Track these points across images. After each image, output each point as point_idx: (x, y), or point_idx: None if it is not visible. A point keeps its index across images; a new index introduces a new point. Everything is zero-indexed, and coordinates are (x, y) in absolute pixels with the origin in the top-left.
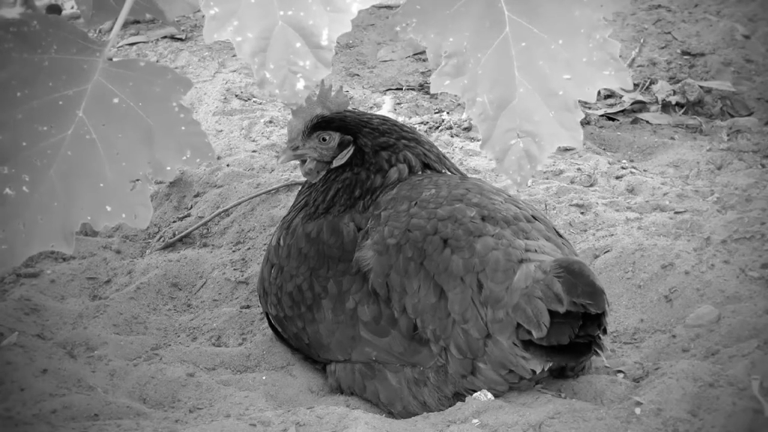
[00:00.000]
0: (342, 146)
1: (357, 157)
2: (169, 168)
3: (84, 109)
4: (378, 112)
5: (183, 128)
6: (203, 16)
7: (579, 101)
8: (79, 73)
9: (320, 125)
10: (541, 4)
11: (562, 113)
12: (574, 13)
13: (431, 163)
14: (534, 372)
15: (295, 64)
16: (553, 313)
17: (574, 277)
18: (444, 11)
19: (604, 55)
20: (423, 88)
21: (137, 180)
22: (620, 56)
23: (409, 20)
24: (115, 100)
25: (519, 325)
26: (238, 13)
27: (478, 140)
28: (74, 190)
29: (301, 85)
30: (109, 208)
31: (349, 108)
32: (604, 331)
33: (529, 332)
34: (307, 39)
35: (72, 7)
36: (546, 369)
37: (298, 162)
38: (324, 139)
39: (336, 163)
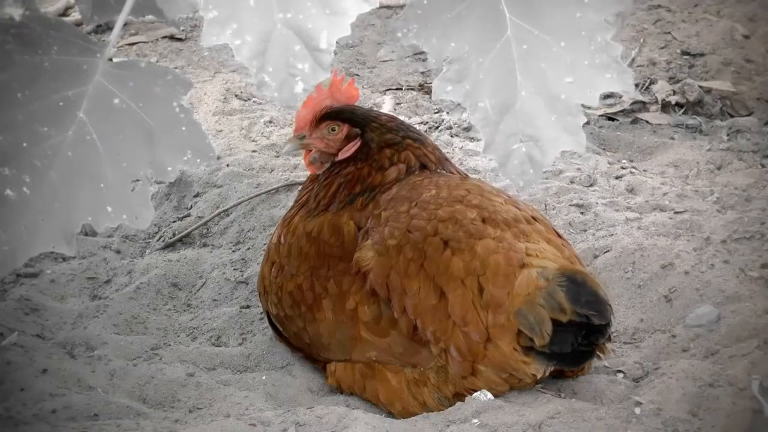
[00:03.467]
0: (348, 139)
1: (362, 152)
2: (170, 168)
3: (84, 110)
4: None
5: (184, 129)
6: (203, 17)
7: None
8: (79, 74)
9: (329, 115)
10: (542, 6)
11: (565, 117)
12: (575, 14)
13: (428, 164)
14: (535, 376)
15: (294, 67)
16: (555, 322)
17: (578, 286)
18: (445, 15)
19: (606, 58)
20: (423, 87)
21: (138, 180)
22: (621, 57)
23: (411, 26)
24: (116, 101)
25: (520, 332)
26: (237, 16)
27: (478, 140)
28: (75, 191)
29: (299, 88)
30: (110, 209)
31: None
32: (609, 339)
33: (531, 339)
34: (306, 42)
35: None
36: (547, 373)
37: (301, 155)
38: (333, 129)
39: (341, 156)
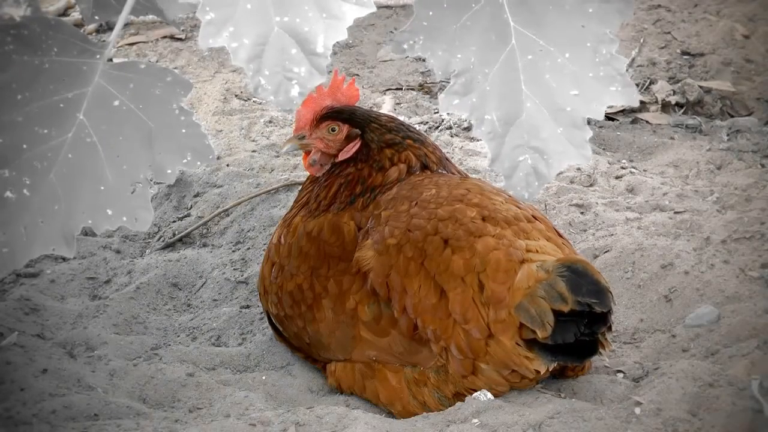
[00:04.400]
0: (348, 140)
1: (362, 153)
2: (169, 170)
3: (84, 112)
4: None
5: (183, 130)
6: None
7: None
8: (79, 76)
9: (329, 116)
10: (546, 15)
11: (571, 130)
12: (579, 25)
13: (430, 164)
14: (538, 372)
15: (290, 70)
16: (557, 312)
17: (578, 275)
18: (451, 26)
19: (611, 70)
20: (423, 87)
21: (138, 183)
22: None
23: (417, 37)
24: (116, 103)
25: (522, 325)
26: (234, 18)
27: (478, 140)
28: (75, 193)
29: (295, 91)
30: (109, 212)
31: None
32: (609, 329)
33: (533, 332)
34: (303, 46)
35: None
36: (550, 369)
37: (301, 156)
38: (333, 130)
39: (342, 157)
